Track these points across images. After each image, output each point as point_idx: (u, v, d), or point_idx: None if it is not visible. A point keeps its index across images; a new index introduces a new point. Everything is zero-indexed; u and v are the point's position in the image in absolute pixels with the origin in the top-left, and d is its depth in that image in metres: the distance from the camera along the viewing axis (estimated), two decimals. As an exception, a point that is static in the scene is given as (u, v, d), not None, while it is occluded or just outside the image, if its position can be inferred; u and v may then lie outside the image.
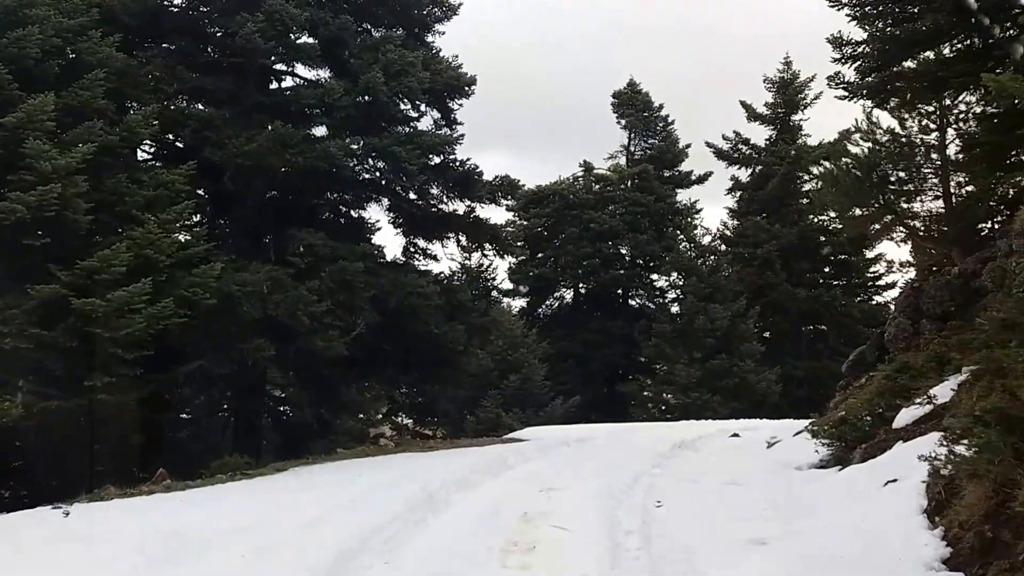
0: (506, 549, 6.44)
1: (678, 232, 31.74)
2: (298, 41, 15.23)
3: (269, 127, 14.71)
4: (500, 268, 35.94)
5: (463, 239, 17.78)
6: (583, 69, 59.97)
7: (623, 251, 31.85)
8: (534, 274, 31.59)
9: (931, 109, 12.98)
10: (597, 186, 32.13)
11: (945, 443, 5.70)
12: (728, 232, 32.61)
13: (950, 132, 12.98)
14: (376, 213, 17.72)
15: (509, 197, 18.35)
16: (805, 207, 31.50)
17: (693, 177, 32.67)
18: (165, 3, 15.68)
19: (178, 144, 15.77)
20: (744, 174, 32.77)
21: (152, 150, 16.19)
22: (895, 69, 12.40)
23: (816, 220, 31.39)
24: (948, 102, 12.79)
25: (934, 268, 13.21)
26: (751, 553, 6.12)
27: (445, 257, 32.53)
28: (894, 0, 11.61)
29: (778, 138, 32.10)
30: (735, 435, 14.23)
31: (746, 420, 19.08)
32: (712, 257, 30.34)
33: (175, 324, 12.02)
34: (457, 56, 16.95)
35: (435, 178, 16.65)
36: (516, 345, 27.18)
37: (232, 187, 14.96)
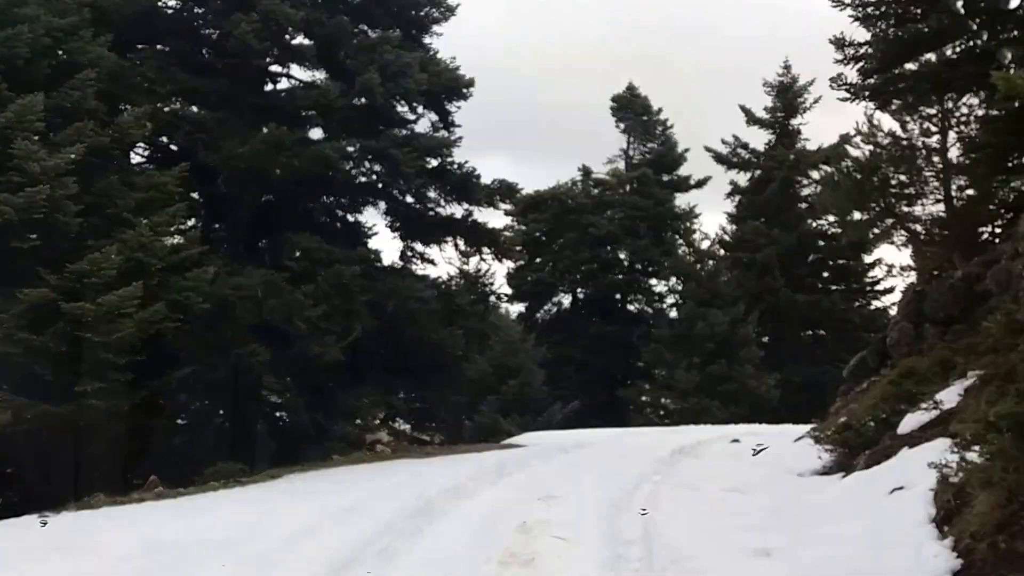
0: (504, 561, 6.25)
1: (677, 237, 31.63)
2: (293, 42, 15.10)
3: (264, 129, 14.56)
4: (498, 273, 35.84)
5: (461, 243, 17.63)
6: (582, 73, 59.97)
7: (622, 256, 31.71)
8: (532, 279, 31.43)
9: (933, 112, 12.89)
10: (596, 191, 32.01)
11: (956, 450, 5.53)
12: (727, 237, 32.50)
13: (952, 135, 12.89)
14: (373, 217, 17.68)
15: (507, 201, 18.21)
16: (804, 212, 31.43)
17: (692, 182, 32.56)
18: (159, 4, 15.53)
19: (172, 147, 15.63)
20: (743, 179, 32.71)
21: (147, 153, 16.06)
22: (896, 71, 12.30)
23: (815, 225, 31.33)
24: (950, 105, 12.71)
25: (935, 272, 13.10)
26: (756, 564, 5.96)
27: (443, 261, 32.36)
28: (897, 0, 11.50)
29: (777, 142, 32.01)
30: (735, 440, 14.09)
31: (746, 425, 18.90)
32: (711, 262, 30.23)
33: (168, 329, 11.86)
34: (455, 58, 16.86)
35: (432, 181, 16.51)
36: (515, 350, 27.01)
37: (226, 190, 14.82)
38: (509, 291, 30.95)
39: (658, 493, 8.76)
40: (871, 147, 13.06)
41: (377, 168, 16.18)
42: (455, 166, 16.48)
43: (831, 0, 11.78)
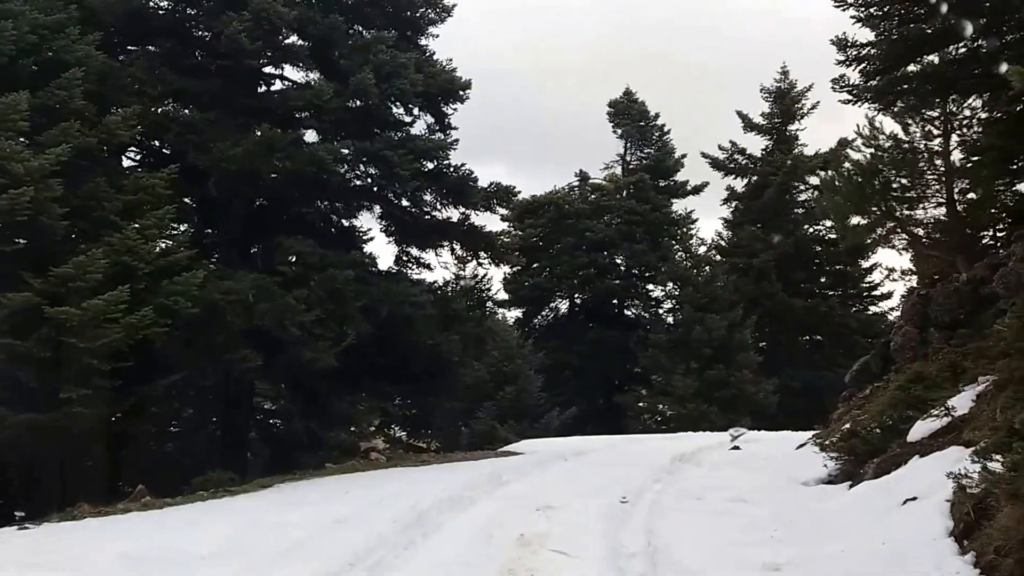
0: (501, 577, 5.98)
1: (674, 242, 31.47)
2: (286, 42, 14.83)
3: (257, 131, 14.28)
4: (495, 278, 35.52)
5: (457, 247, 17.34)
6: (579, 78, 59.86)
7: (619, 261, 31.59)
8: (529, 284, 31.24)
9: (935, 114, 12.72)
10: (593, 196, 31.87)
11: (977, 459, 5.28)
12: (724, 242, 32.37)
13: (954, 138, 12.72)
14: (368, 222, 17.35)
15: (504, 204, 17.96)
16: (801, 217, 31.34)
17: (689, 187, 32.50)
18: (149, 3, 15.26)
19: (164, 150, 15.34)
20: (740, 184, 32.58)
21: (138, 157, 15.77)
22: (899, 72, 12.13)
23: (812, 230, 31.22)
24: (953, 107, 12.55)
25: (937, 276, 12.91)
26: (765, 580, 5.69)
27: (439, 266, 32.22)
28: (900, 0, 11.33)
29: (774, 148, 31.91)
30: (735, 448, 13.88)
31: (746, 431, 18.65)
32: (708, 267, 30.05)
33: (156, 334, 11.56)
34: (451, 59, 16.61)
35: (428, 184, 16.20)
36: (511, 356, 26.74)
37: (217, 193, 14.53)
38: (506, 296, 30.85)
39: (660, 503, 8.50)
40: (872, 150, 12.87)
41: (372, 171, 15.89)
42: (451, 169, 16.17)
43: (833, 0, 11.63)
